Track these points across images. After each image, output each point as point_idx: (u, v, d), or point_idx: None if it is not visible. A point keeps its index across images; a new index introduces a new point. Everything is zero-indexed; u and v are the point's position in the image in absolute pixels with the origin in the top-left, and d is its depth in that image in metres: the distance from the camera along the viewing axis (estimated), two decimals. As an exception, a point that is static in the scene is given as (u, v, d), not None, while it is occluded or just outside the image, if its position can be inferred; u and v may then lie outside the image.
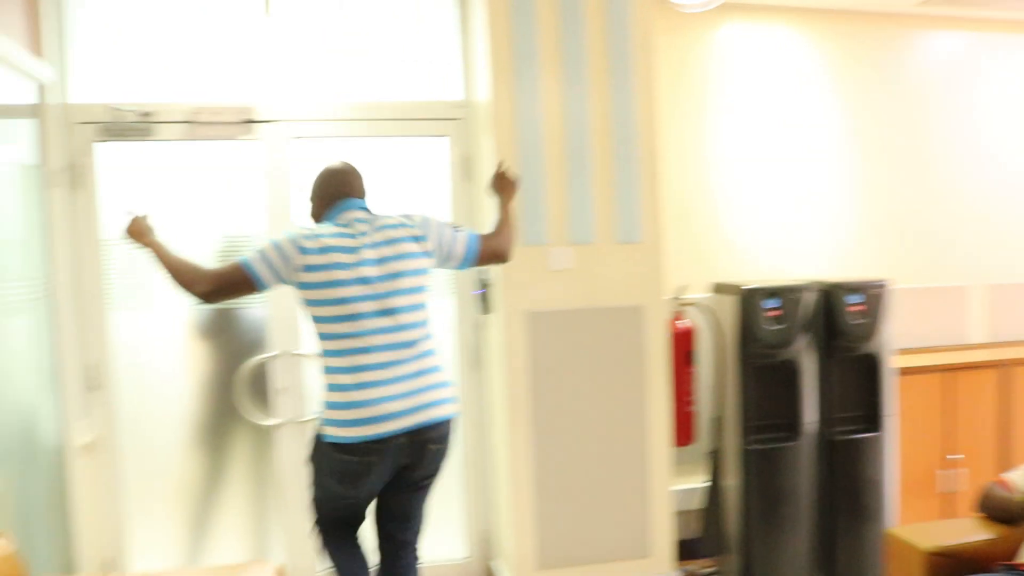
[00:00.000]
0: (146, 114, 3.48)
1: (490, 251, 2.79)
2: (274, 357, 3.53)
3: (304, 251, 2.51)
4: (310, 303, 2.53)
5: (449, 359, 3.64)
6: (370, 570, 2.82)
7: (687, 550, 3.72)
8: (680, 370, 3.47)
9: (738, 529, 3.51)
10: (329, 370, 2.52)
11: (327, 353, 2.53)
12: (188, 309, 3.49)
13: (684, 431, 3.49)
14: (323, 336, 2.53)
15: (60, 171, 3.34)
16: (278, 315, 3.52)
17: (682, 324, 3.51)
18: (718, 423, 3.56)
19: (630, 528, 3.38)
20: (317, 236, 2.54)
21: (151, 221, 2.70)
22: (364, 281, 2.50)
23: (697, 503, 3.68)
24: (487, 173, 3.21)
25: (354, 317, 2.48)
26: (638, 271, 3.36)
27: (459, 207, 3.61)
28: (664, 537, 3.42)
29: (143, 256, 2.83)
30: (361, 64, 3.64)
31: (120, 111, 3.45)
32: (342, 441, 2.46)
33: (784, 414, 3.43)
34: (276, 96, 3.55)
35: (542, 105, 3.26)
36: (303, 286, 2.52)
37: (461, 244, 2.72)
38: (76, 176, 3.40)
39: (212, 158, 3.58)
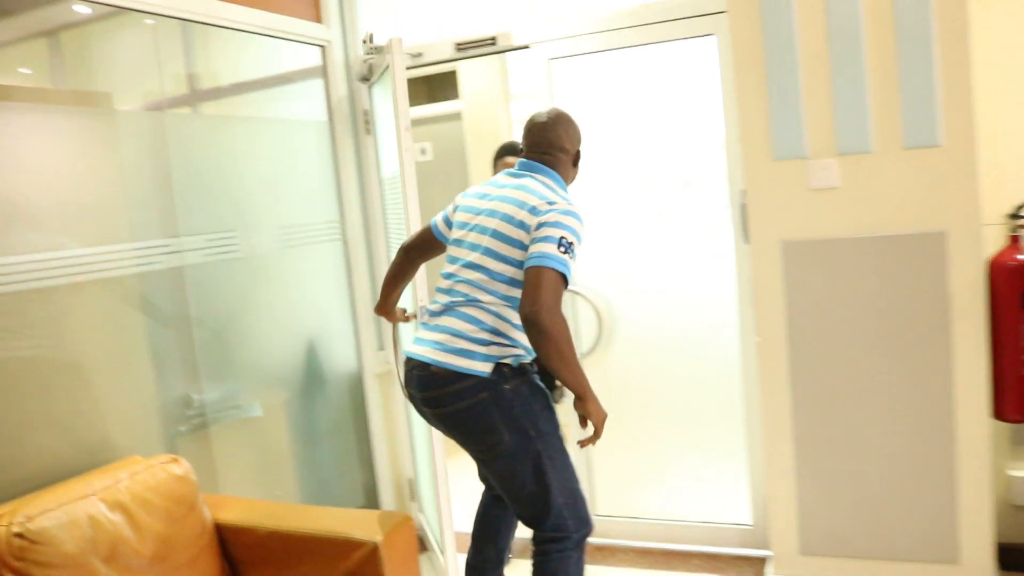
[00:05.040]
0: (417, 55, 3.56)
1: (529, 287, 2.13)
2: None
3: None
4: None
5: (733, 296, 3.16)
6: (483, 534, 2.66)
7: (1018, 559, 2.76)
8: (1012, 319, 2.51)
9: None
10: None
11: None
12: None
13: (1019, 401, 2.54)
14: None
15: (345, 121, 3.59)
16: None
17: (1021, 255, 2.52)
18: (1072, 394, 2.53)
19: (929, 521, 2.60)
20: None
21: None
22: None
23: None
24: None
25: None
26: (938, 185, 2.49)
27: (732, 110, 3.02)
28: (980, 537, 2.56)
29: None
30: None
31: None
32: None
33: None
34: (529, 19, 3.38)
35: (796, -21, 2.56)
36: None
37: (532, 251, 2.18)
38: (360, 124, 3.63)
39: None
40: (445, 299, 2.34)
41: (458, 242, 2.39)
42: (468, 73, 5.31)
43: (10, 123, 2.38)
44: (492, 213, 2.31)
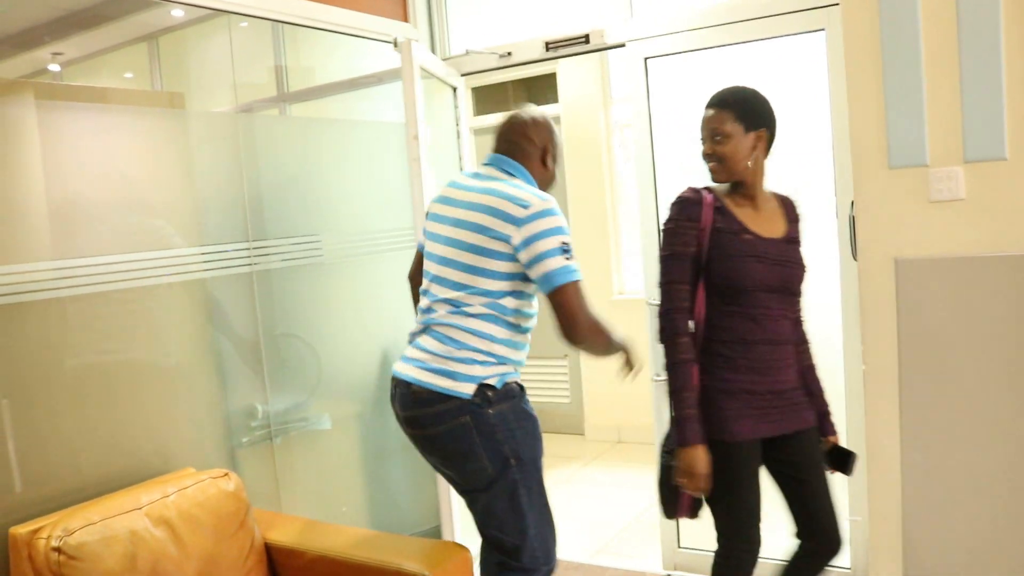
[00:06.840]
0: (506, 55, 3.40)
1: (562, 314, 2.04)
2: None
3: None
4: None
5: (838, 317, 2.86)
6: None
7: None
8: None
9: None
10: None
11: None
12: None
13: None
14: None
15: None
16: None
17: None
18: None
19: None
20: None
21: None
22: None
23: None
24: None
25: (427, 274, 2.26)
26: (1089, 197, 2.14)
27: (841, 113, 2.71)
28: None
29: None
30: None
31: (482, 56, 3.43)
32: None
33: None
34: (624, 16, 3.16)
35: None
36: None
37: (541, 273, 2.04)
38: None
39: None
40: (423, 317, 2.19)
41: (430, 255, 2.22)
42: (567, 76, 5.12)
43: (101, 124, 2.36)
44: (460, 224, 2.13)
